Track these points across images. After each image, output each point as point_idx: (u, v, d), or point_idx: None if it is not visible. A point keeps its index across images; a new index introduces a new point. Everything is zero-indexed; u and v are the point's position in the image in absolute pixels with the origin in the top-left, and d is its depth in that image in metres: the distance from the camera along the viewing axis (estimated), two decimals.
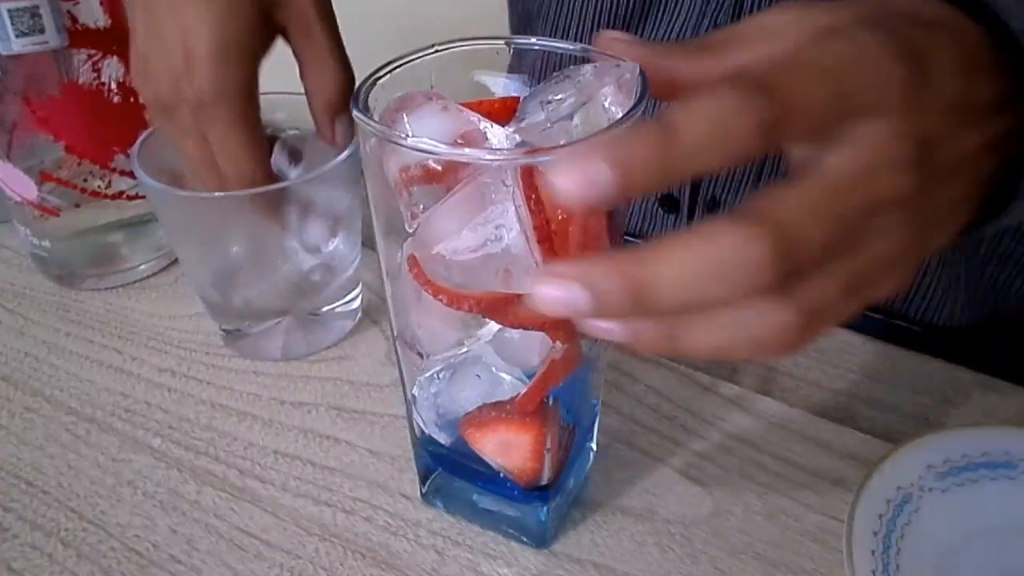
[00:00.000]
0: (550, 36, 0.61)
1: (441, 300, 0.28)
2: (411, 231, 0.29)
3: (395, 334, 0.33)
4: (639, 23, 0.55)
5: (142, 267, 0.52)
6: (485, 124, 0.28)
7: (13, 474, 0.39)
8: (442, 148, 0.25)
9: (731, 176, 0.54)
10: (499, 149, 0.28)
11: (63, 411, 0.43)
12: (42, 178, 0.47)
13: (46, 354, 0.46)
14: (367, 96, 0.28)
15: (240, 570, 0.35)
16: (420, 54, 0.31)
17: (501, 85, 0.32)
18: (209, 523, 0.37)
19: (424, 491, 0.37)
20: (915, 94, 0.25)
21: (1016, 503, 0.35)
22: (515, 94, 0.31)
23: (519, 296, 0.28)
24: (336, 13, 0.44)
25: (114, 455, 0.40)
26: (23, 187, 0.47)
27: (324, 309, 0.46)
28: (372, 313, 0.49)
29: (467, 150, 0.26)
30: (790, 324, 0.24)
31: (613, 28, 0.56)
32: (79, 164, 0.47)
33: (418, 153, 0.26)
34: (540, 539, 0.35)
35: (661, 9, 0.53)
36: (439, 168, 0.26)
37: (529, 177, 0.26)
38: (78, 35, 0.44)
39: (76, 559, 0.35)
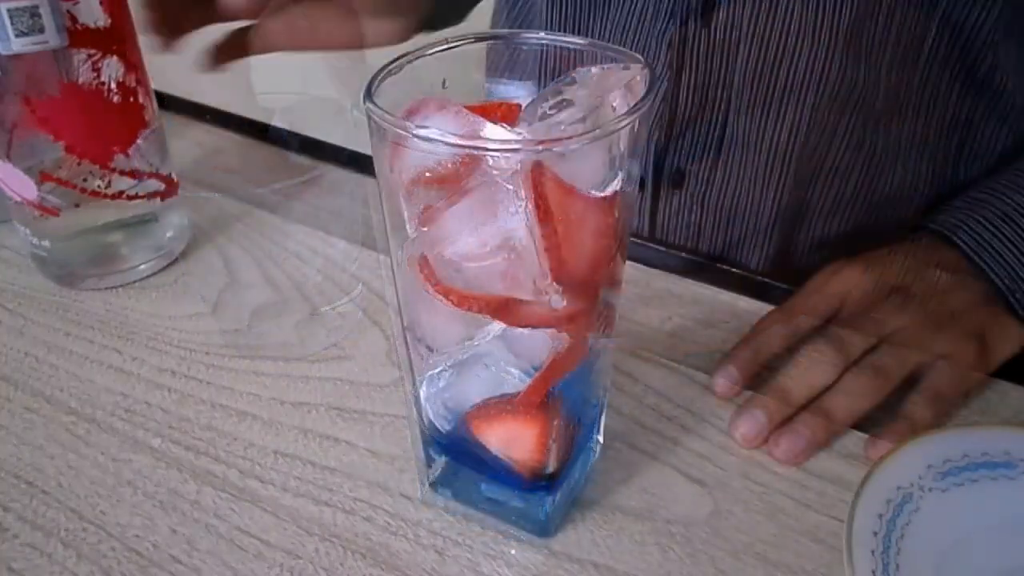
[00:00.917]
0: (521, 27, 0.60)
1: (449, 301, 0.28)
2: (413, 233, 0.29)
3: (404, 325, 0.33)
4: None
5: (142, 267, 0.52)
6: (492, 127, 0.28)
7: (13, 474, 0.39)
8: (451, 140, 0.25)
9: (693, 146, 0.55)
10: (513, 140, 0.28)
11: (63, 411, 0.43)
12: (42, 178, 0.47)
13: (46, 354, 0.46)
14: (378, 91, 0.29)
15: (240, 570, 0.35)
16: (432, 49, 0.31)
17: (505, 88, 0.32)
18: (209, 523, 0.37)
19: (430, 481, 0.37)
20: (899, 314, 0.42)
21: (1016, 503, 0.35)
22: (517, 97, 0.31)
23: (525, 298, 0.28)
24: None
25: (114, 455, 0.40)
26: (23, 187, 0.47)
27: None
28: (372, 313, 0.49)
29: (477, 141, 0.26)
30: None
31: (575, 13, 0.56)
32: (79, 164, 0.47)
33: (425, 154, 0.26)
34: (543, 531, 0.35)
35: None
36: (445, 169, 0.26)
37: (538, 179, 0.26)
38: (78, 35, 0.44)
39: (76, 559, 0.35)
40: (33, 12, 0.42)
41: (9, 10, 0.41)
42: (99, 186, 0.49)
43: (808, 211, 0.57)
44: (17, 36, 0.42)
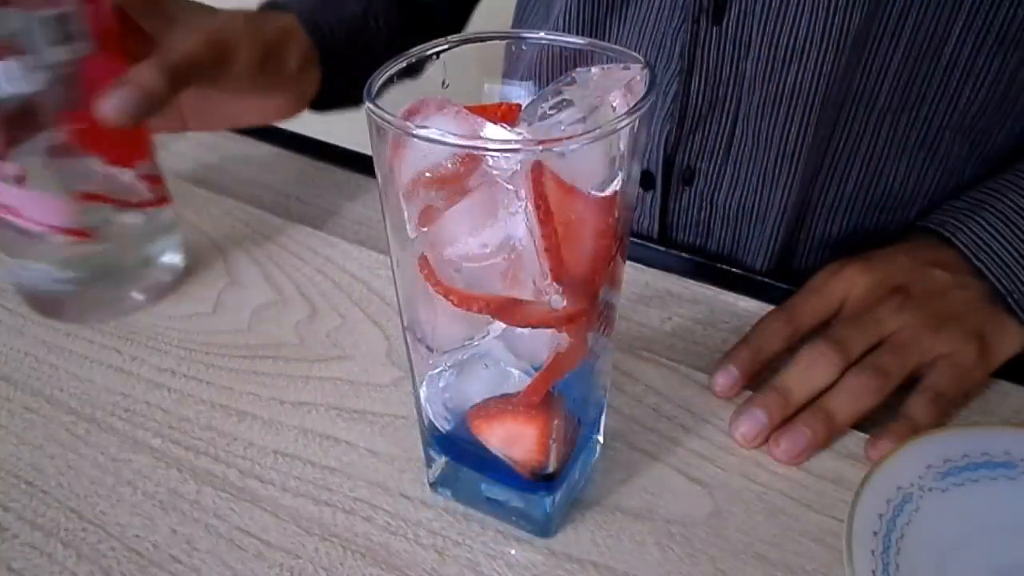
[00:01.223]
0: (534, 27, 0.60)
1: (451, 301, 0.28)
2: (413, 233, 0.29)
3: (404, 325, 0.33)
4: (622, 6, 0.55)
5: (170, 274, 0.51)
6: (493, 127, 0.28)
7: (13, 474, 0.39)
8: (451, 140, 0.25)
9: (704, 144, 0.55)
10: (513, 140, 0.28)
11: (63, 411, 0.43)
12: (83, 198, 0.45)
13: (46, 354, 0.46)
14: (380, 89, 0.29)
15: (240, 570, 0.35)
16: (432, 48, 0.31)
17: (505, 88, 0.32)
18: (209, 523, 0.37)
19: (432, 480, 0.37)
20: (900, 313, 0.43)
21: (1016, 503, 0.35)
22: (517, 97, 0.31)
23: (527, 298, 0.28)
24: None
25: (114, 455, 0.40)
26: (52, 214, 0.44)
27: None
28: (372, 313, 0.49)
29: (477, 141, 0.26)
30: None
31: (580, 26, 0.56)
32: (115, 176, 0.46)
33: (425, 154, 0.26)
34: (543, 531, 0.36)
35: None
36: (445, 169, 0.26)
37: (538, 179, 0.26)
38: (102, 39, 0.43)
39: (76, 559, 0.35)
40: (65, 20, 0.40)
41: (41, 19, 0.40)
42: (132, 195, 0.47)
43: (813, 209, 0.57)
44: (53, 45, 0.40)
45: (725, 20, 0.50)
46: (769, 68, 0.51)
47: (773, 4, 0.49)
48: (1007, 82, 0.51)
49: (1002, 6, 0.49)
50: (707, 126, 0.54)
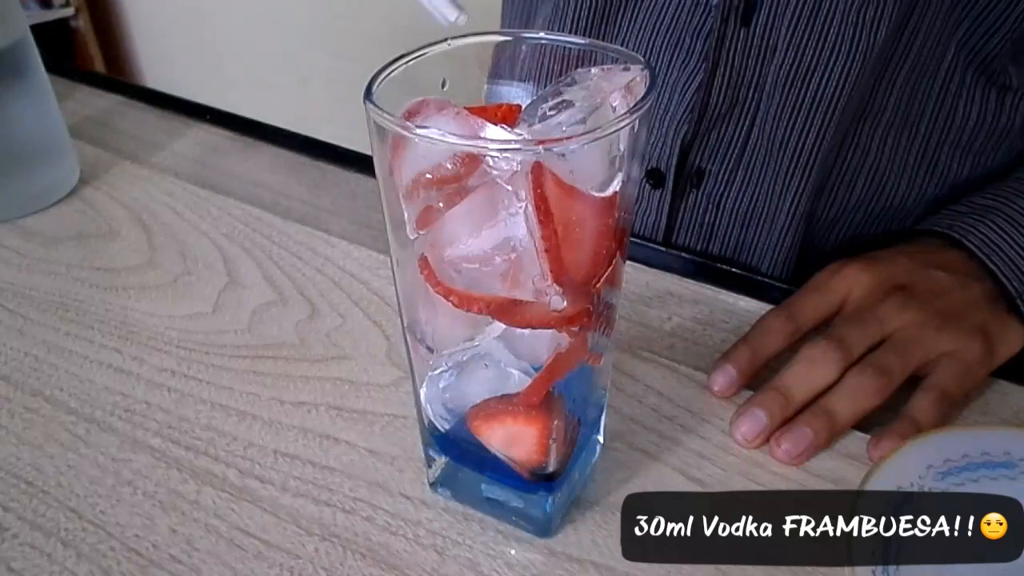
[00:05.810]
0: (529, 18, 0.59)
1: (451, 302, 0.28)
2: (412, 234, 0.29)
3: (405, 326, 0.33)
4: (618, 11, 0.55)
5: None
6: (492, 128, 0.28)
7: (13, 474, 0.39)
8: (451, 140, 0.25)
9: (717, 146, 0.55)
10: (513, 141, 0.28)
11: (63, 411, 0.43)
12: None
13: (46, 354, 0.46)
14: (380, 89, 0.29)
15: (240, 570, 0.35)
16: (432, 48, 0.31)
17: (505, 89, 0.32)
18: (209, 523, 0.37)
19: (432, 480, 0.37)
20: (902, 312, 0.43)
21: None
22: (517, 98, 0.31)
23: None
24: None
25: (114, 455, 0.40)
26: None
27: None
28: (372, 313, 0.49)
29: (477, 141, 0.26)
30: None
31: (591, 17, 0.56)
32: None
33: (425, 155, 0.26)
34: (543, 531, 0.36)
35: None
36: (445, 170, 0.27)
37: (538, 180, 0.26)
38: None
39: (76, 559, 0.35)
40: None
41: None
42: None
43: (817, 221, 0.57)
44: None
45: (754, 22, 0.50)
46: (793, 74, 0.50)
47: (804, 9, 0.49)
48: (995, 105, 0.52)
49: (990, 40, 0.49)
50: (723, 127, 0.54)
